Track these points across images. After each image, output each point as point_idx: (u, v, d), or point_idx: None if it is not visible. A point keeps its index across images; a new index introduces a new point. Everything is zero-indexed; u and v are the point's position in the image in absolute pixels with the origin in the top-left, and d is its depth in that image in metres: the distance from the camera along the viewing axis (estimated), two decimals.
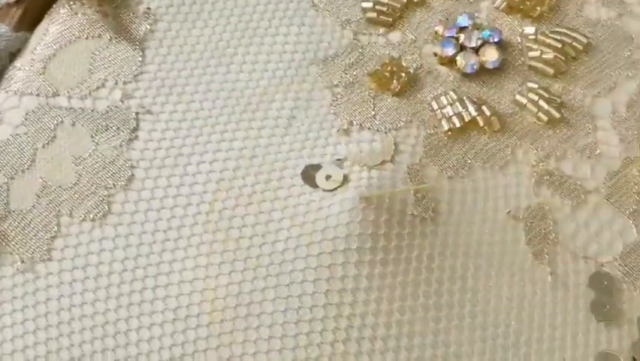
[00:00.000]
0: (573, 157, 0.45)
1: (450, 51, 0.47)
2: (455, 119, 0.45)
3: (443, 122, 0.45)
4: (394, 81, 0.46)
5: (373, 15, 0.49)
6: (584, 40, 0.49)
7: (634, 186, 0.45)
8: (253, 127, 0.45)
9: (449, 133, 0.45)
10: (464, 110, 0.46)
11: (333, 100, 0.46)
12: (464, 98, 0.46)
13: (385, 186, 0.42)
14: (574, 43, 0.48)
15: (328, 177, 0.42)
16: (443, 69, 0.47)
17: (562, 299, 0.42)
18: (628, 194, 0.45)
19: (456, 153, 0.45)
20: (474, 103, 0.46)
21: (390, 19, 0.49)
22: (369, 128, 0.45)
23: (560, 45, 0.48)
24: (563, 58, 0.48)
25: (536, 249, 0.43)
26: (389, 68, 0.46)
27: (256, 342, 0.39)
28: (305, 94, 0.46)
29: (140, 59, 0.47)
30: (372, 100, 0.46)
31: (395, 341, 0.40)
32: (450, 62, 0.47)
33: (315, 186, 0.42)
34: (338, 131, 0.45)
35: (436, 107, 0.46)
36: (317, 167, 0.43)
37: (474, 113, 0.45)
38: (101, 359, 0.39)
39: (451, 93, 0.46)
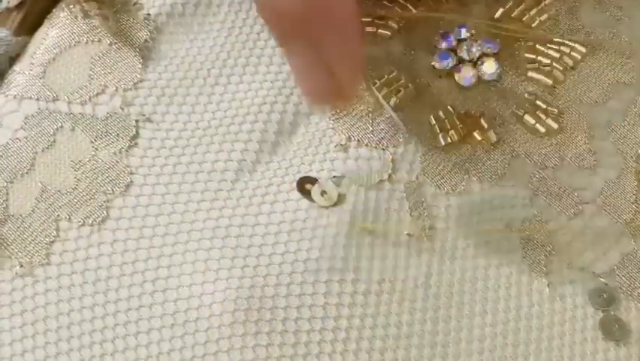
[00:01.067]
0: (569, 167, 0.45)
1: (448, 64, 0.47)
2: (453, 133, 0.45)
3: (441, 137, 0.45)
4: (393, 96, 0.46)
5: (372, 29, 0.49)
6: (583, 50, 0.49)
7: (631, 196, 0.45)
8: (252, 139, 0.45)
9: (447, 147, 0.45)
10: (461, 124, 0.46)
11: (333, 114, 0.46)
12: (462, 111, 0.46)
13: (381, 208, 0.43)
14: (572, 53, 0.49)
15: (323, 193, 0.43)
16: (442, 82, 0.47)
17: (560, 311, 0.42)
18: (625, 204, 0.45)
19: (453, 169, 0.45)
20: (471, 116, 0.46)
21: (389, 33, 0.49)
22: (366, 145, 0.45)
23: (558, 55, 0.48)
24: (561, 68, 0.48)
25: (533, 260, 0.43)
26: (388, 83, 0.47)
27: (254, 349, 0.39)
28: (305, 107, 0.46)
29: (140, 66, 0.47)
30: (370, 115, 0.46)
31: (392, 354, 0.40)
32: (448, 75, 0.48)
33: (311, 200, 0.42)
34: (336, 146, 0.45)
35: (433, 122, 0.46)
36: (313, 180, 0.43)
37: (471, 127, 0.46)
38: None
39: (449, 107, 0.46)
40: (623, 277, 0.43)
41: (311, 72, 0.37)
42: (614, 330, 0.42)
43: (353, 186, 0.43)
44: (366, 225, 0.42)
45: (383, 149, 0.45)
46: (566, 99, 0.47)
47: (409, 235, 0.42)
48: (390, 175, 0.44)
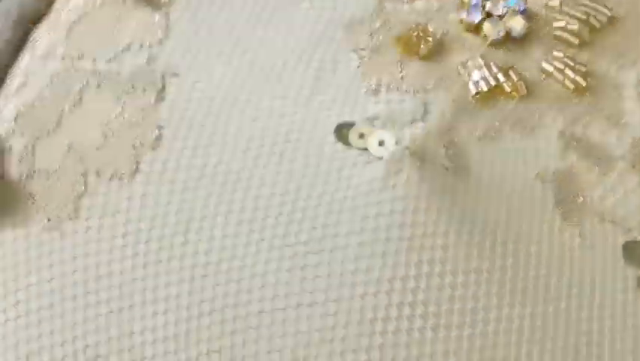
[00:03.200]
0: (599, 125, 0.45)
1: (476, 18, 0.47)
2: (482, 84, 0.45)
3: (470, 86, 0.45)
4: (421, 45, 0.46)
5: None
6: (608, 13, 0.48)
7: None
8: (280, 89, 0.45)
9: (477, 97, 0.45)
10: (491, 75, 0.45)
11: (360, 62, 0.46)
12: (491, 63, 0.46)
13: (418, 142, 0.43)
14: (598, 16, 0.48)
15: (362, 135, 0.42)
16: (469, 36, 0.47)
17: (590, 261, 0.42)
18: None
19: (484, 117, 0.44)
20: (501, 69, 0.46)
21: None
22: (397, 90, 0.45)
23: (584, 16, 0.48)
24: (587, 29, 0.48)
25: (565, 211, 0.43)
26: (416, 33, 0.46)
27: (299, 294, 0.39)
28: (331, 57, 0.46)
29: (164, 22, 0.47)
30: (399, 63, 0.46)
31: (437, 293, 0.40)
32: (476, 29, 0.47)
33: (347, 143, 0.42)
34: (366, 91, 0.45)
35: (463, 71, 0.46)
36: (349, 125, 0.43)
37: (501, 78, 0.45)
38: (128, 317, 0.39)
39: (478, 59, 0.46)
40: None
41: None
42: None
43: (388, 124, 0.43)
44: None
45: (414, 94, 0.45)
46: (594, 60, 0.47)
47: (445, 167, 0.42)
48: (422, 117, 0.44)
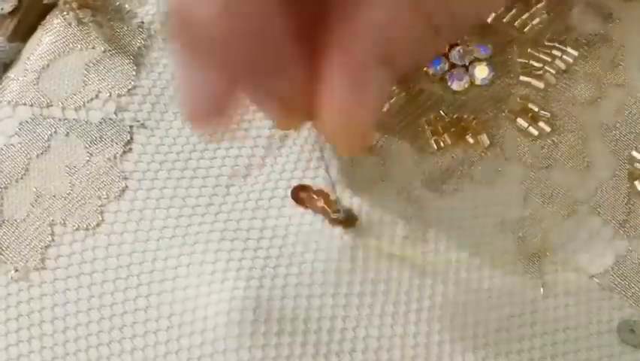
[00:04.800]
0: (562, 168, 0.46)
1: (440, 69, 0.48)
2: (445, 137, 0.46)
3: (433, 141, 0.46)
4: (385, 102, 0.46)
5: None
6: (575, 53, 0.49)
7: (624, 197, 0.45)
8: (246, 146, 0.45)
9: (439, 151, 0.45)
10: (454, 128, 0.46)
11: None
12: (454, 116, 0.46)
13: (377, 210, 0.43)
14: (564, 57, 0.49)
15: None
16: (434, 87, 0.48)
17: (553, 309, 0.42)
18: (618, 205, 0.45)
19: (445, 171, 0.45)
20: (464, 120, 0.46)
21: None
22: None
23: (550, 59, 0.49)
24: (553, 71, 0.48)
25: (527, 260, 0.43)
26: None
27: (250, 350, 0.39)
28: None
29: (134, 73, 0.47)
30: None
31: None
32: (440, 79, 0.48)
33: (306, 207, 0.43)
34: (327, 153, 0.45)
35: (425, 126, 0.46)
36: (307, 188, 0.43)
37: (464, 131, 0.46)
38: None
39: (441, 112, 0.46)
40: (617, 278, 0.43)
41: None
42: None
43: (347, 190, 0.44)
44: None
45: (376, 152, 0.45)
46: (559, 102, 0.48)
47: (405, 237, 0.42)
48: (382, 177, 0.44)
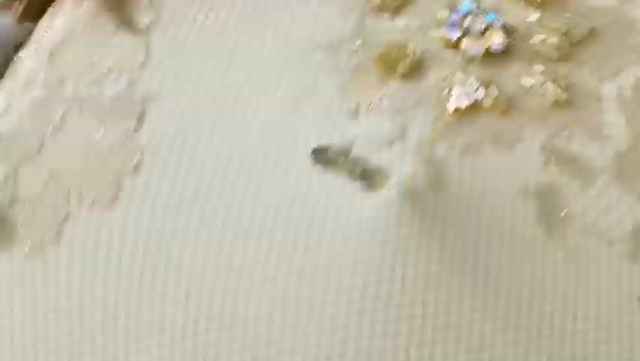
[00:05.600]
0: (581, 138, 0.45)
1: (455, 35, 0.47)
2: (462, 100, 0.45)
3: (450, 102, 0.45)
4: (400, 64, 0.46)
5: (378, 1, 0.49)
6: (589, 25, 0.49)
7: None
8: (260, 112, 0.45)
9: (456, 114, 0.45)
10: (470, 91, 0.46)
11: (339, 84, 0.46)
12: (470, 79, 0.46)
13: (396, 166, 0.43)
14: (578, 28, 0.49)
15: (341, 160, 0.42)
16: (449, 53, 0.47)
17: (574, 274, 0.42)
18: (636, 175, 0.45)
19: (464, 133, 0.45)
20: (480, 85, 0.46)
21: (395, 4, 0.49)
22: (376, 111, 0.45)
23: (564, 29, 0.48)
24: (567, 42, 0.48)
25: (547, 225, 0.43)
26: (395, 52, 0.47)
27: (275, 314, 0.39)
28: (310, 79, 0.46)
29: (144, 48, 0.47)
30: (378, 83, 0.46)
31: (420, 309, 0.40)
32: (455, 45, 0.47)
33: (327, 165, 0.42)
34: (346, 113, 0.45)
35: (442, 89, 0.46)
36: (327, 148, 0.43)
37: (481, 95, 0.45)
38: (113, 340, 0.39)
39: (458, 75, 0.46)
40: (636, 246, 0.43)
41: None
42: None
43: (366, 147, 0.43)
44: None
45: (393, 114, 0.45)
46: (575, 72, 0.47)
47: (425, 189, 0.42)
48: (401, 137, 0.44)
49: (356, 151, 0.43)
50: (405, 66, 0.46)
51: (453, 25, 0.47)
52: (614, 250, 0.43)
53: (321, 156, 0.43)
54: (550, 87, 0.46)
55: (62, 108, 0.45)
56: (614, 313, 0.42)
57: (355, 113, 0.44)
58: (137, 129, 0.44)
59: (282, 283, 0.39)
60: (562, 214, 0.43)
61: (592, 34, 0.48)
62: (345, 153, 0.43)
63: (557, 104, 0.46)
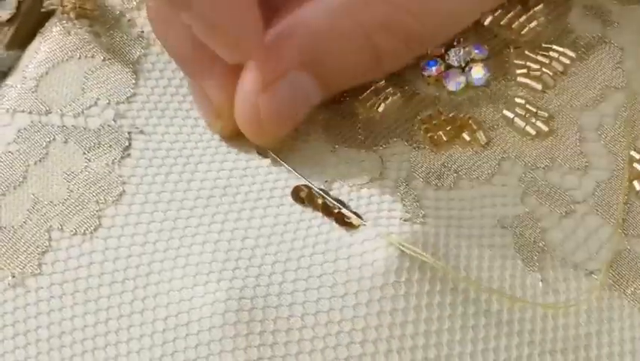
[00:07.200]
0: (560, 168, 0.46)
1: (435, 70, 0.48)
2: (442, 134, 0.46)
3: (429, 137, 0.46)
4: (381, 103, 0.46)
5: None
6: (572, 55, 0.49)
7: (622, 197, 0.45)
8: (243, 148, 0.45)
9: (435, 148, 0.45)
10: (450, 126, 0.46)
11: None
12: (450, 114, 0.46)
13: (374, 202, 0.43)
14: (561, 58, 0.49)
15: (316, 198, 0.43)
16: (430, 88, 0.48)
17: (553, 305, 0.42)
18: (616, 205, 0.45)
19: (442, 167, 0.45)
20: (460, 118, 0.46)
21: None
22: (355, 147, 0.45)
23: (547, 61, 0.49)
24: (550, 73, 0.48)
25: (525, 256, 0.43)
26: (376, 91, 0.47)
27: (246, 350, 0.39)
28: None
29: (133, 81, 0.47)
30: (358, 119, 0.46)
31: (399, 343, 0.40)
32: (436, 81, 0.48)
33: (304, 204, 0.43)
34: (324, 151, 0.45)
35: (422, 124, 0.46)
36: (307, 188, 0.43)
37: (460, 129, 0.46)
38: None
39: (438, 110, 0.46)
40: (615, 275, 0.43)
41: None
42: None
43: (345, 186, 0.44)
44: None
45: (373, 150, 0.45)
46: (556, 103, 0.48)
47: (403, 220, 0.42)
48: (380, 173, 0.44)
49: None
50: (385, 104, 0.46)
51: (434, 61, 0.48)
52: (594, 281, 0.43)
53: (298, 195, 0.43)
54: (531, 120, 0.46)
55: (48, 138, 0.45)
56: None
57: (334, 151, 0.45)
58: (121, 161, 0.44)
59: None
60: (540, 245, 0.43)
61: (574, 64, 0.49)
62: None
63: (538, 136, 0.46)
